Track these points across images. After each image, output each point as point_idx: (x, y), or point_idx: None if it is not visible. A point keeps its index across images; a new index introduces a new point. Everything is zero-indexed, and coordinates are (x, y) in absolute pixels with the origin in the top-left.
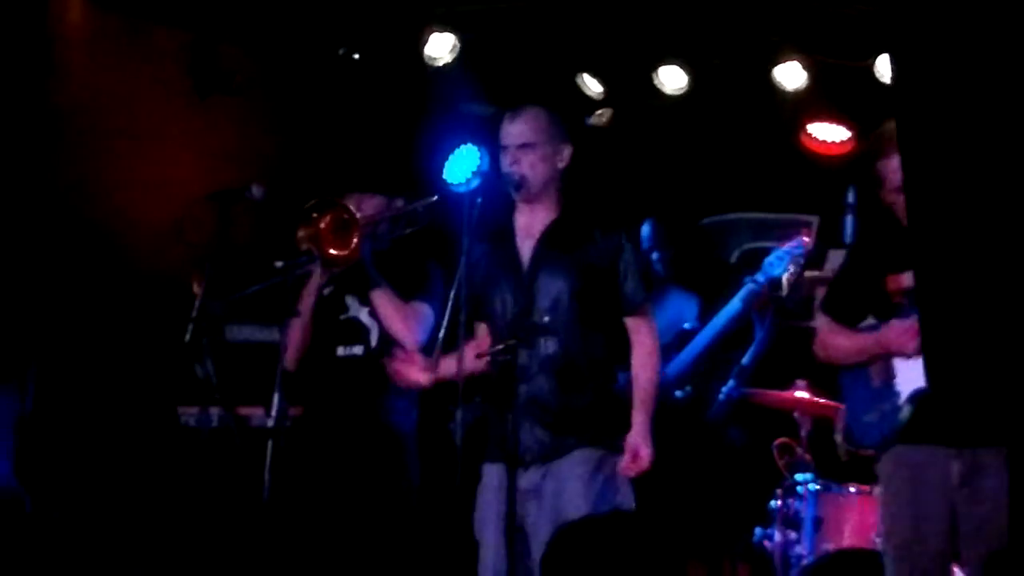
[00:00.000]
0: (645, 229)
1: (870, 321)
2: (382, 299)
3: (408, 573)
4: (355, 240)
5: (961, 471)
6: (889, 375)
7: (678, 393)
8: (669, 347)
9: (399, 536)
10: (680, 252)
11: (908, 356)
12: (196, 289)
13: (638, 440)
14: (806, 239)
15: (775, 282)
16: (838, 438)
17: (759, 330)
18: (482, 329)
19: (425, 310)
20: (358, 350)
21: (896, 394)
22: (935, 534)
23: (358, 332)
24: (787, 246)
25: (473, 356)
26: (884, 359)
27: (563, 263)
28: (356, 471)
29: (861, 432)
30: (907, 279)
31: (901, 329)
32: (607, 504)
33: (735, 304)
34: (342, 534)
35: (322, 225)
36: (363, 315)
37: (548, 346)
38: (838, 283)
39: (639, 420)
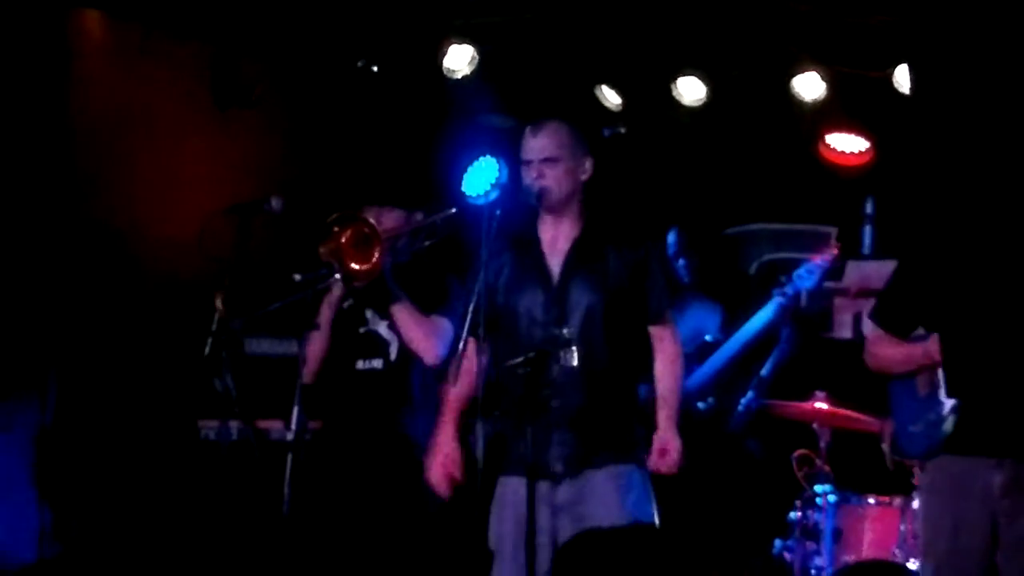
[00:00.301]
0: (671, 237)
1: (919, 332)
2: (402, 313)
3: None
4: (376, 254)
5: (1003, 482)
6: (935, 386)
7: (700, 405)
8: (690, 357)
9: (418, 548)
10: (705, 261)
11: None
12: (219, 304)
13: (667, 436)
14: (836, 252)
15: (812, 296)
16: (885, 447)
17: (779, 341)
18: (472, 346)
19: (445, 324)
20: (378, 363)
21: (941, 404)
22: (976, 545)
23: (377, 346)
24: (818, 259)
25: (464, 372)
26: (930, 369)
27: (593, 276)
28: (375, 484)
29: (907, 442)
30: None
31: None
32: (637, 519)
33: (764, 316)
34: (362, 546)
35: (343, 239)
36: (382, 328)
37: (578, 359)
38: (890, 294)
39: (664, 417)
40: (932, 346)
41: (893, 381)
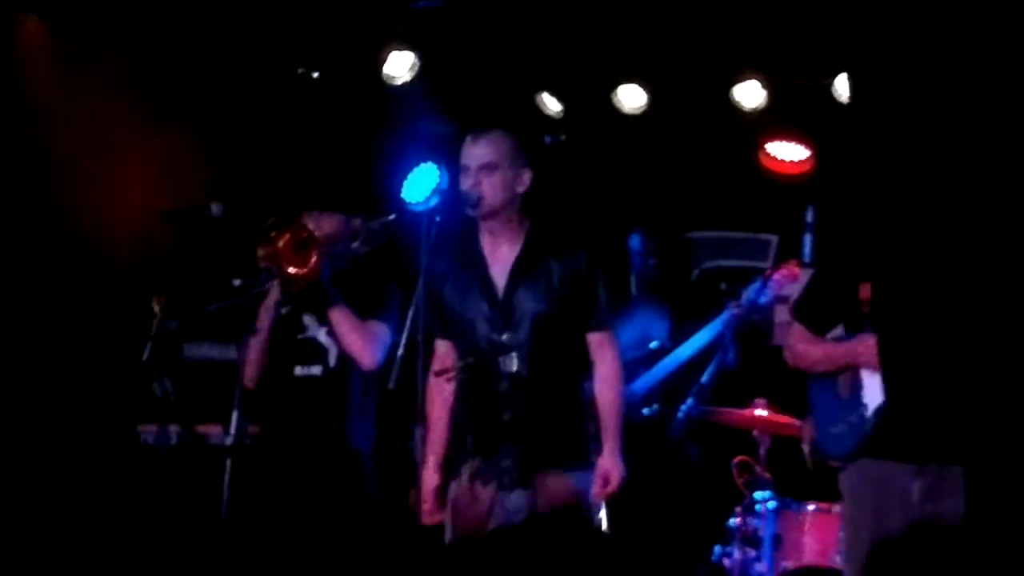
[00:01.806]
0: (634, 240)
1: (838, 331)
2: (339, 317)
3: None
4: (314, 258)
5: (922, 488)
6: (856, 387)
7: (645, 411)
8: (638, 363)
9: (357, 555)
10: (667, 264)
11: (877, 370)
12: (156, 307)
13: (609, 465)
14: (796, 270)
15: (758, 309)
16: (805, 448)
17: (720, 349)
18: (442, 346)
19: (382, 329)
20: (316, 370)
21: (863, 406)
22: (896, 549)
23: (316, 352)
24: (777, 275)
25: (434, 373)
26: (852, 370)
27: (537, 285)
28: (314, 491)
29: (828, 443)
30: None
31: (870, 343)
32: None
33: (715, 327)
34: (300, 553)
35: (280, 243)
36: (321, 335)
37: (519, 365)
38: (811, 291)
39: (609, 444)
40: (855, 347)
41: (813, 381)
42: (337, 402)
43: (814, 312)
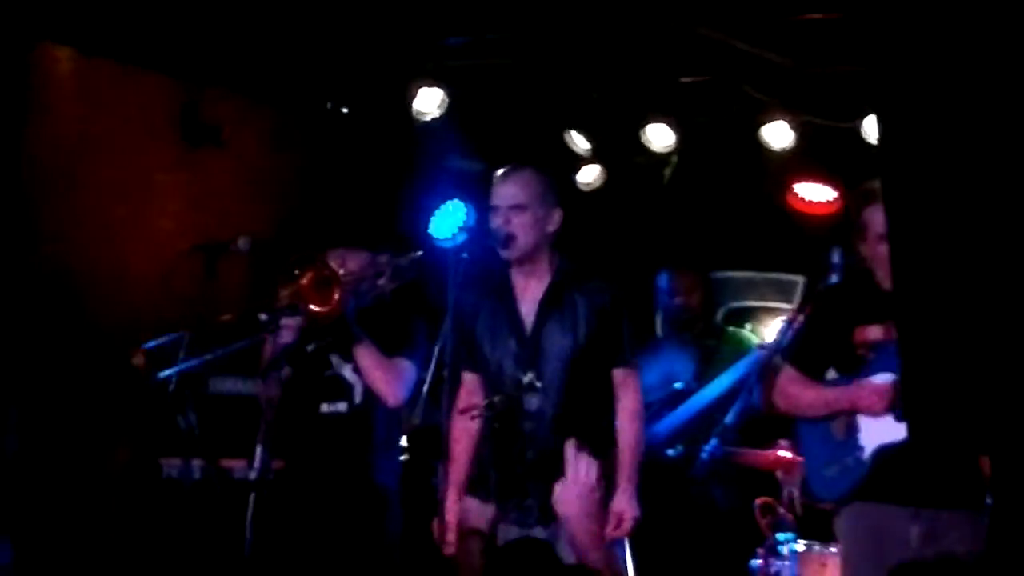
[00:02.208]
0: (662, 279)
1: (832, 374)
2: (364, 355)
3: None
4: (336, 296)
5: (920, 533)
6: (852, 429)
7: (670, 452)
8: (662, 403)
9: None
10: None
11: (877, 415)
12: (137, 361)
13: (623, 506)
14: None
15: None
16: (794, 491)
17: (745, 390)
18: (470, 380)
19: (407, 366)
20: (342, 407)
21: (860, 448)
22: None
23: (342, 389)
24: (803, 318)
25: (459, 411)
26: (847, 413)
27: (564, 323)
28: (339, 528)
29: (821, 486)
30: (874, 332)
31: (872, 389)
32: (615, 564)
33: (740, 369)
34: None
35: (304, 281)
36: (347, 372)
37: (548, 406)
38: (804, 334)
39: (624, 484)
40: (854, 392)
41: (804, 423)
42: (363, 438)
43: (807, 355)
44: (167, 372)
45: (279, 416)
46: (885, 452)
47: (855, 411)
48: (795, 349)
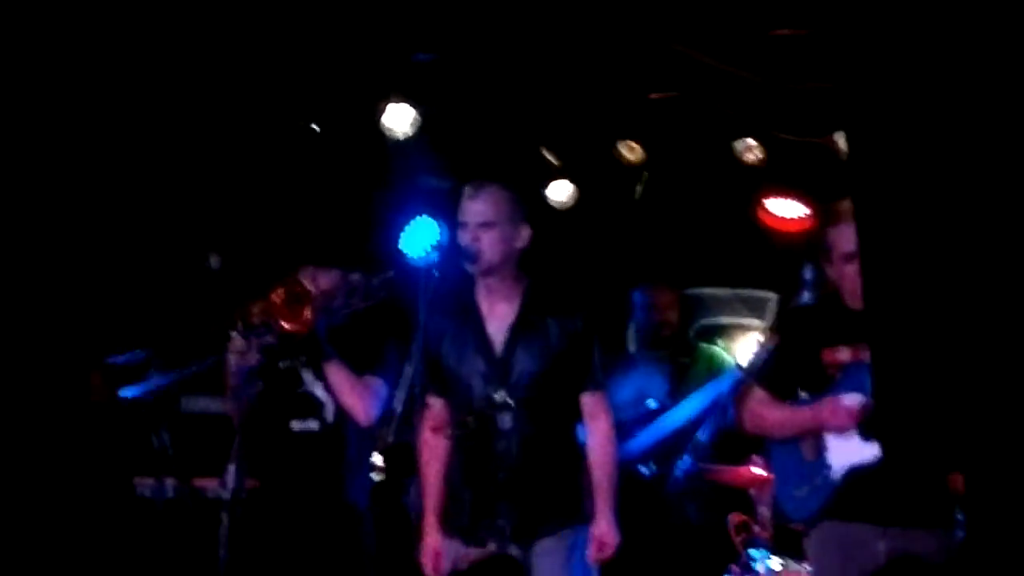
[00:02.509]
0: (637, 296)
1: (802, 396)
2: (335, 372)
3: None
4: (307, 314)
5: (887, 550)
6: (821, 450)
7: (643, 469)
8: (636, 421)
9: None
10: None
11: (841, 433)
12: (96, 382)
13: (603, 529)
14: None
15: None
16: (764, 511)
17: (719, 409)
18: (437, 403)
19: (378, 384)
20: (314, 425)
21: (828, 467)
22: None
23: (313, 406)
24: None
25: (429, 430)
26: (816, 434)
27: (535, 346)
28: (312, 547)
29: (791, 506)
30: (843, 353)
31: (837, 407)
32: None
33: (716, 388)
34: None
35: (275, 298)
36: (318, 389)
37: (519, 426)
38: (773, 355)
39: (603, 508)
40: (819, 411)
41: (774, 443)
42: (334, 457)
43: (776, 376)
44: (131, 391)
45: (251, 433)
46: (853, 472)
47: (823, 430)
48: (764, 370)
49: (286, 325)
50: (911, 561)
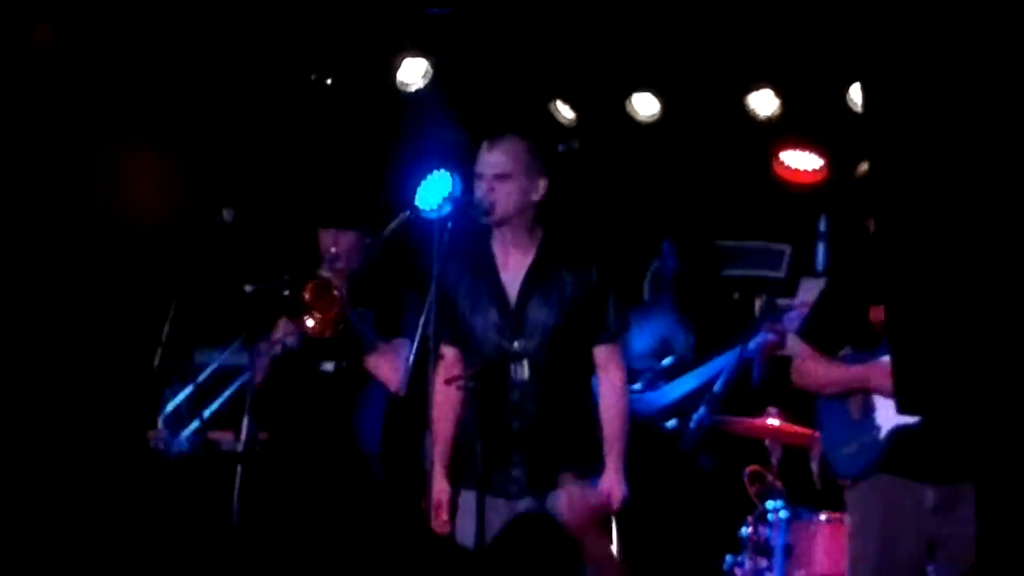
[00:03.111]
0: (665, 247)
1: (847, 351)
2: (372, 360)
3: None
4: (336, 295)
5: (936, 497)
6: (868, 408)
7: (669, 424)
8: (661, 374)
9: (366, 561)
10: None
11: (889, 396)
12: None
13: (612, 484)
14: None
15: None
16: (814, 467)
17: (730, 359)
18: (450, 352)
19: (405, 346)
20: (329, 366)
21: (876, 428)
22: (906, 562)
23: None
24: None
25: (442, 382)
26: (863, 393)
27: (550, 297)
28: (321, 493)
29: (839, 463)
30: None
31: (884, 369)
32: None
33: (750, 348)
34: (309, 559)
35: (306, 295)
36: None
37: (531, 373)
38: (819, 311)
39: (612, 462)
40: (866, 372)
41: (821, 402)
42: (347, 399)
43: (822, 332)
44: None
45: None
46: (901, 432)
47: (870, 391)
48: (810, 326)
49: (321, 315)
50: None
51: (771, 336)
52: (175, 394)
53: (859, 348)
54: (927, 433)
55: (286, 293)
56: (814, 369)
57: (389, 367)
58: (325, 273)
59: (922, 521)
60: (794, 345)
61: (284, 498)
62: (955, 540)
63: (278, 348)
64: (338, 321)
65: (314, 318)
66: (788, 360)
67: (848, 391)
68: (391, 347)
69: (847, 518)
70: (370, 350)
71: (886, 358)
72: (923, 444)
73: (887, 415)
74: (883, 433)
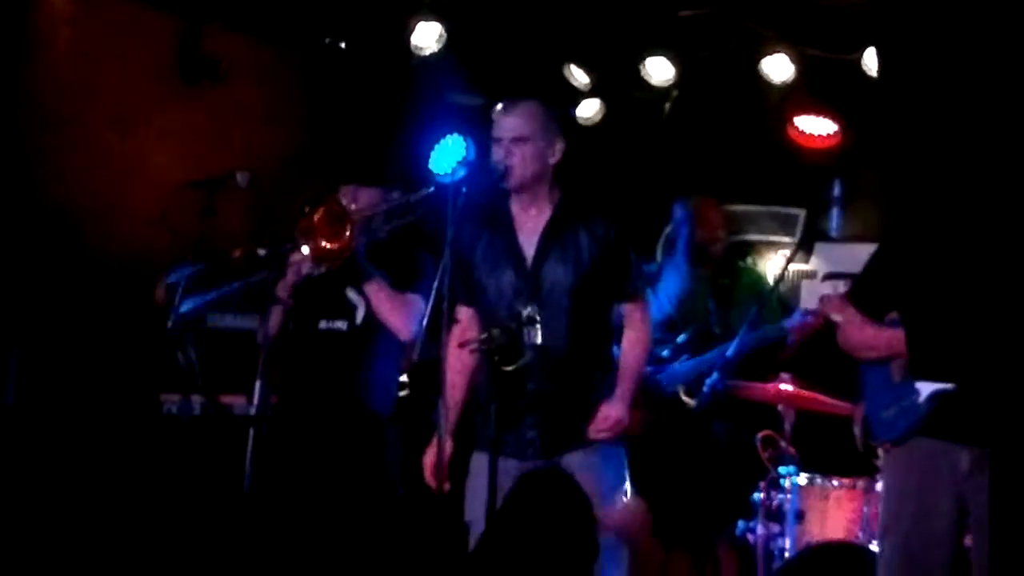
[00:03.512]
0: (678, 209)
1: (894, 315)
2: (375, 291)
3: (392, 557)
4: (348, 232)
5: (971, 460)
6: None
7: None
8: (684, 347)
9: (382, 520)
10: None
11: None
12: (159, 296)
13: (613, 409)
14: None
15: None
16: (856, 430)
17: (747, 324)
18: (466, 314)
19: (419, 301)
20: (341, 325)
21: (916, 391)
22: (941, 525)
23: (344, 308)
24: None
25: (456, 345)
26: (905, 357)
27: (566, 257)
28: (333, 455)
29: (880, 427)
30: None
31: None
32: (614, 496)
33: (784, 327)
34: (324, 519)
35: (316, 218)
36: (351, 292)
37: (548, 339)
38: (867, 275)
39: (620, 391)
40: (900, 337)
41: (865, 365)
42: (359, 360)
43: (869, 296)
44: (186, 307)
45: (279, 339)
46: (940, 396)
47: (899, 355)
48: (858, 289)
49: (326, 244)
50: None
51: (810, 319)
52: (187, 356)
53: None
54: (966, 397)
55: (305, 210)
56: (859, 333)
57: (399, 315)
58: (344, 200)
59: (958, 483)
60: (840, 308)
61: (295, 460)
62: (983, 508)
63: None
64: (343, 252)
65: (320, 242)
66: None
67: (890, 356)
68: (405, 298)
69: (860, 483)
70: (369, 279)
71: None
72: (961, 407)
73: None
74: (923, 397)
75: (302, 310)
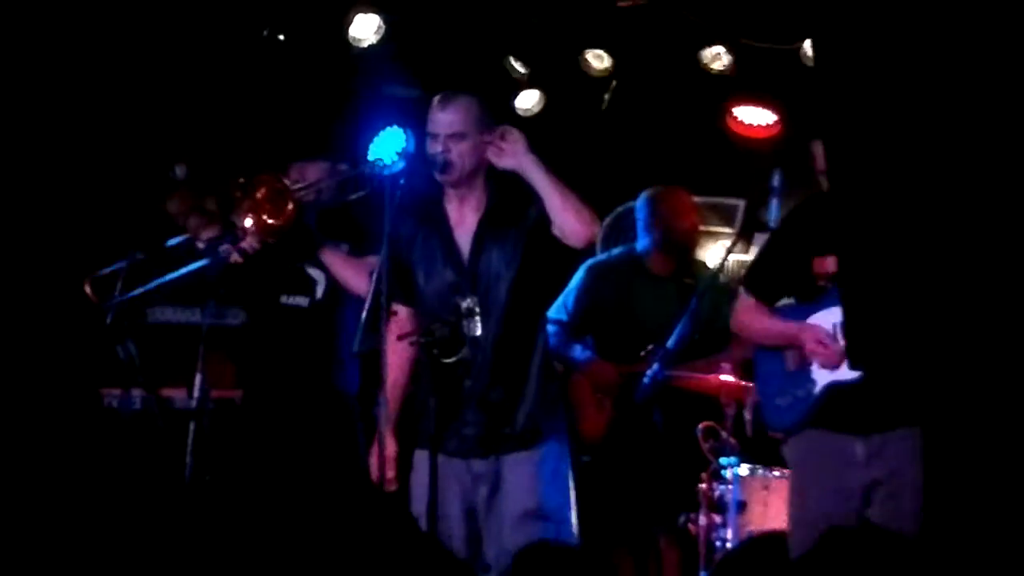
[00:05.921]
0: (647, 201)
1: (789, 301)
2: (330, 257)
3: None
4: (290, 207)
5: (865, 449)
6: (804, 362)
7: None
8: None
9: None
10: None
11: (815, 359)
12: (88, 291)
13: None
14: None
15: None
16: (747, 415)
17: (684, 315)
18: (403, 311)
19: (374, 262)
20: (303, 301)
21: (811, 382)
22: (843, 517)
23: (305, 283)
24: None
25: (395, 339)
26: (797, 350)
27: (505, 251)
28: (301, 434)
29: (772, 414)
30: (832, 263)
31: (816, 335)
32: (557, 494)
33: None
34: (291, 502)
35: (258, 195)
36: (311, 268)
37: (487, 333)
38: (762, 261)
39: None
40: (798, 333)
41: (759, 351)
42: (322, 336)
43: (763, 282)
44: (117, 299)
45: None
46: (835, 387)
47: (799, 348)
48: (752, 275)
49: (270, 220)
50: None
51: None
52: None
53: (802, 300)
54: (861, 388)
55: (241, 184)
56: (754, 321)
57: (361, 277)
58: (293, 176)
59: (854, 475)
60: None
61: (263, 441)
62: (892, 478)
63: (235, 253)
64: (285, 227)
65: (262, 216)
66: None
67: (778, 346)
68: (364, 261)
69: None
70: (322, 247)
71: (818, 320)
72: (855, 399)
73: (822, 370)
74: (817, 387)
75: (263, 285)
